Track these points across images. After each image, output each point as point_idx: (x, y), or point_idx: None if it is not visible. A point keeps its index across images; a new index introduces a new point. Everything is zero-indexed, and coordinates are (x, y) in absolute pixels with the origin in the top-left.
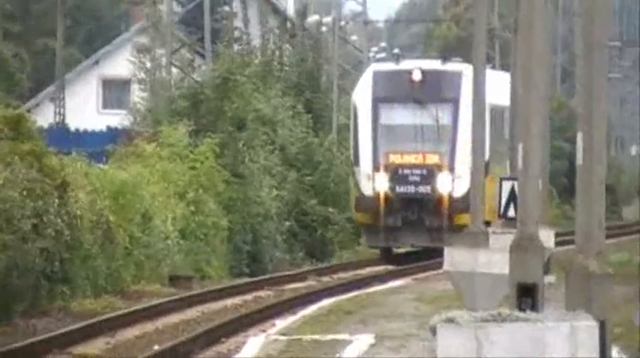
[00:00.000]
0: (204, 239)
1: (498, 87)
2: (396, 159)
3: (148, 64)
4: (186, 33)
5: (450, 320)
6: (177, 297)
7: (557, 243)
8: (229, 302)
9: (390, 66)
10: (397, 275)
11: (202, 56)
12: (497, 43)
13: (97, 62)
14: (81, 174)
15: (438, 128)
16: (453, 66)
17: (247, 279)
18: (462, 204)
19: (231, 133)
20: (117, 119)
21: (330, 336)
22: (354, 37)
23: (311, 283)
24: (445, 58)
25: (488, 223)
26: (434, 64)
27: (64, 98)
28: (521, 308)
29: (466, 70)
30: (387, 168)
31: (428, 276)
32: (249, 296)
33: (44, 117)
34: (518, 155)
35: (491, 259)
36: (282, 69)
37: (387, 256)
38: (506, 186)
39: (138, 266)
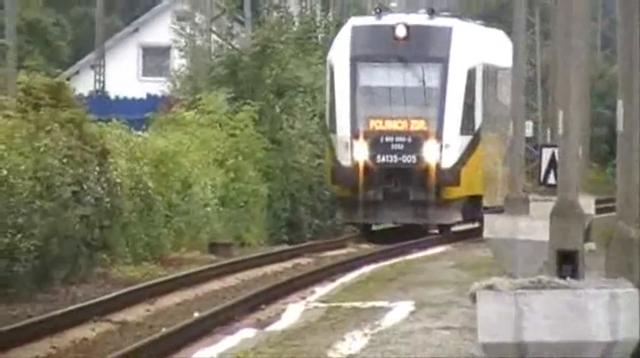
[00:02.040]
0: (243, 206)
1: (493, 45)
2: (376, 125)
3: (188, 31)
4: (226, 0)
5: (490, 287)
6: (217, 264)
7: (598, 210)
8: (269, 269)
9: (370, 20)
10: (437, 242)
11: (242, 23)
12: (538, 9)
13: (136, 29)
14: (121, 142)
15: (425, 91)
16: (442, 21)
17: (286, 247)
18: (450, 176)
19: (269, 101)
20: (157, 86)
21: (369, 303)
22: (393, 4)
23: (351, 250)
24: (433, 12)
25: (475, 197)
26: (420, 19)
27: (104, 65)
28: (561, 276)
29: (457, 25)
30: (366, 135)
31: (467, 243)
32: (288, 264)
33: (84, 84)
34: (558, 121)
35: (532, 226)
36: (322, 35)
37: (367, 233)
38: (547, 153)
39: (177, 233)
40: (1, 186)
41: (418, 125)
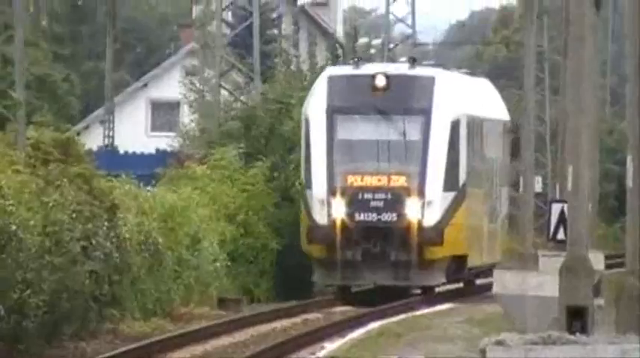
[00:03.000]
0: (253, 261)
1: (478, 95)
2: (355, 181)
3: (198, 86)
4: (235, 55)
5: (500, 343)
6: (227, 320)
7: (608, 266)
8: (278, 324)
9: (348, 70)
10: (445, 298)
11: (251, 79)
12: (547, 65)
13: (146, 85)
14: (130, 197)
15: (406, 144)
16: (424, 70)
17: (296, 302)
18: (433, 235)
19: (282, 156)
20: (166, 141)
21: None
22: (402, 59)
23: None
24: (414, 61)
25: (460, 257)
26: (401, 68)
27: (113, 120)
28: (571, 331)
29: (439, 74)
30: (344, 191)
31: (475, 299)
32: (298, 319)
33: (94, 139)
34: (568, 177)
35: (541, 281)
36: None
37: (345, 296)
38: (556, 208)
39: (187, 288)
40: (10, 241)
41: (399, 181)
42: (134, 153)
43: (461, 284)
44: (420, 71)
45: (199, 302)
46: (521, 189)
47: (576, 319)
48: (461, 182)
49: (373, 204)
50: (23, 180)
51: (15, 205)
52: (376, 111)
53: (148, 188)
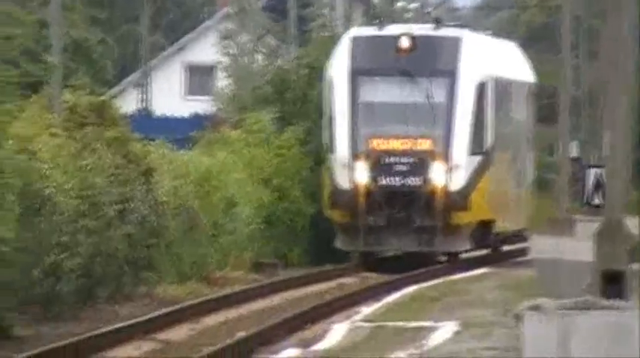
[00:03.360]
0: (288, 226)
1: (505, 57)
2: (379, 144)
3: (233, 50)
4: (271, 19)
5: (536, 308)
6: (261, 284)
7: None
8: (313, 288)
9: (372, 31)
10: (480, 263)
11: (287, 43)
12: (583, 29)
13: (181, 49)
14: (165, 161)
15: (431, 107)
16: (450, 31)
17: (331, 266)
18: (459, 200)
19: (315, 121)
20: (201, 105)
21: (414, 323)
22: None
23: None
24: (438, 22)
25: (486, 223)
26: (426, 29)
27: (148, 84)
28: (606, 297)
29: (466, 36)
30: (368, 155)
31: (509, 264)
32: (333, 283)
33: (129, 103)
34: (605, 142)
35: (577, 247)
36: None
37: (368, 263)
38: (592, 173)
39: (222, 252)
40: (46, 204)
41: (424, 145)
42: (169, 117)
43: (487, 251)
44: (445, 32)
45: (234, 266)
46: (556, 153)
47: (612, 284)
48: (487, 146)
49: (397, 168)
50: (59, 143)
51: (51, 169)
52: (401, 73)
53: (183, 152)
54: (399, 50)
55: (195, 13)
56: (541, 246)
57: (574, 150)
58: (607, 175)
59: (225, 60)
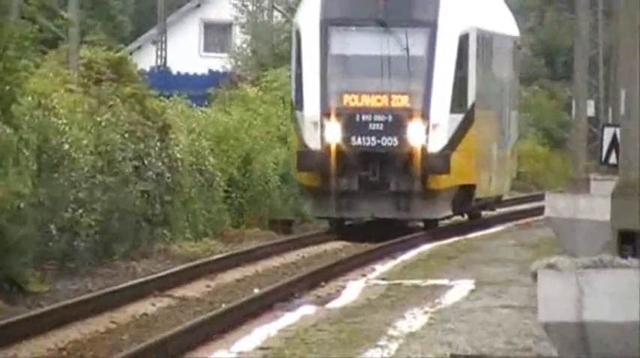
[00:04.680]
0: None
1: (488, 8)
2: (351, 101)
3: (250, 7)
4: None
5: (551, 266)
6: (277, 241)
7: None
8: (329, 246)
9: None
10: (497, 221)
11: None
12: None
13: (198, 5)
14: (182, 117)
15: (409, 60)
16: None
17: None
18: (439, 162)
19: None
20: (218, 62)
21: (429, 281)
22: None
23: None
24: None
25: (467, 187)
26: None
27: (165, 41)
28: (622, 255)
29: None
30: (339, 113)
31: (528, 222)
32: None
33: (146, 60)
34: (621, 101)
35: (593, 205)
36: None
37: (339, 230)
38: (608, 133)
39: (238, 209)
40: (63, 160)
41: (401, 101)
42: (186, 73)
43: (465, 218)
44: None
45: (250, 224)
46: (573, 113)
47: (628, 243)
48: (469, 103)
49: (372, 126)
50: (76, 99)
51: (67, 125)
52: (376, 23)
53: (201, 108)
54: None
55: None
56: (557, 204)
57: (590, 110)
58: (622, 134)
59: (243, 17)
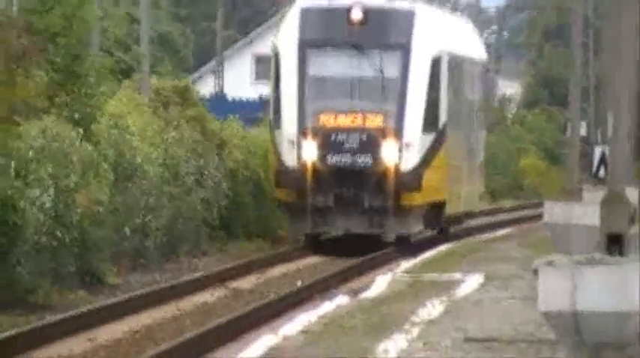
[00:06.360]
0: None
1: (459, 33)
2: (327, 120)
3: None
4: None
5: (550, 263)
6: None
7: None
8: None
9: (323, 2)
10: (504, 225)
11: None
12: (591, 31)
13: (251, 41)
14: (237, 136)
15: (383, 82)
16: (404, 4)
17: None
18: (411, 180)
19: None
20: (267, 90)
21: (446, 276)
22: None
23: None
24: None
25: (439, 205)
26: (379, 1)
27: (222, 71)
28: (610, 254)
29: (420, 9)
30: (315, 132)
31: (530, 226)
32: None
33: (206, 87)
34: (609, 124)
35: (585, 212)
36: None
37: (314, 245)
38: (598, 150)
39: (283, 215)
40: (136, 172)
41: (375, 121)
42: (240, 99)
43: (434, 232)
44: (399, 4)
45: None
46: (568, 133)
47: (615, 244)
48: (441, 123)
49: (347, 145)
50: (147, 120)
51: (139, 141)
52: (351, 46)
53: (252, 129)
54: (350, 22)
55: (263, 10)
56: (554, 211)
57: (583, 130)
58: (610, 151)
59: None
